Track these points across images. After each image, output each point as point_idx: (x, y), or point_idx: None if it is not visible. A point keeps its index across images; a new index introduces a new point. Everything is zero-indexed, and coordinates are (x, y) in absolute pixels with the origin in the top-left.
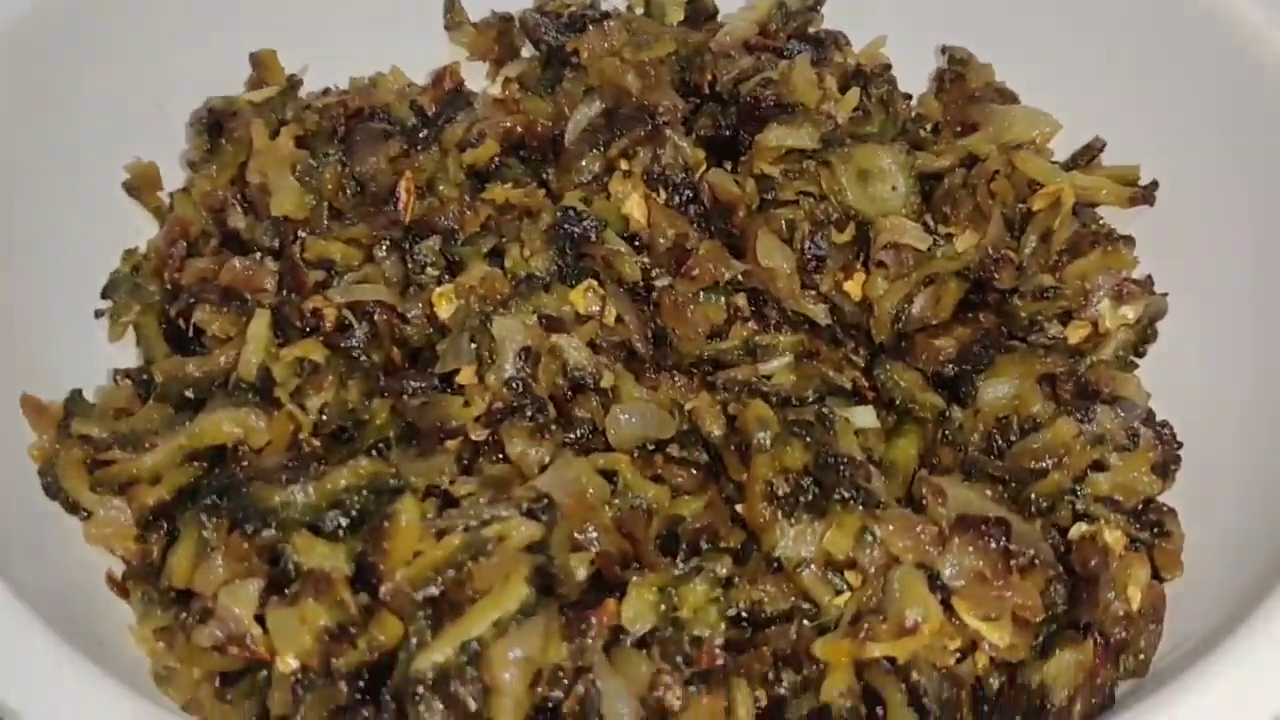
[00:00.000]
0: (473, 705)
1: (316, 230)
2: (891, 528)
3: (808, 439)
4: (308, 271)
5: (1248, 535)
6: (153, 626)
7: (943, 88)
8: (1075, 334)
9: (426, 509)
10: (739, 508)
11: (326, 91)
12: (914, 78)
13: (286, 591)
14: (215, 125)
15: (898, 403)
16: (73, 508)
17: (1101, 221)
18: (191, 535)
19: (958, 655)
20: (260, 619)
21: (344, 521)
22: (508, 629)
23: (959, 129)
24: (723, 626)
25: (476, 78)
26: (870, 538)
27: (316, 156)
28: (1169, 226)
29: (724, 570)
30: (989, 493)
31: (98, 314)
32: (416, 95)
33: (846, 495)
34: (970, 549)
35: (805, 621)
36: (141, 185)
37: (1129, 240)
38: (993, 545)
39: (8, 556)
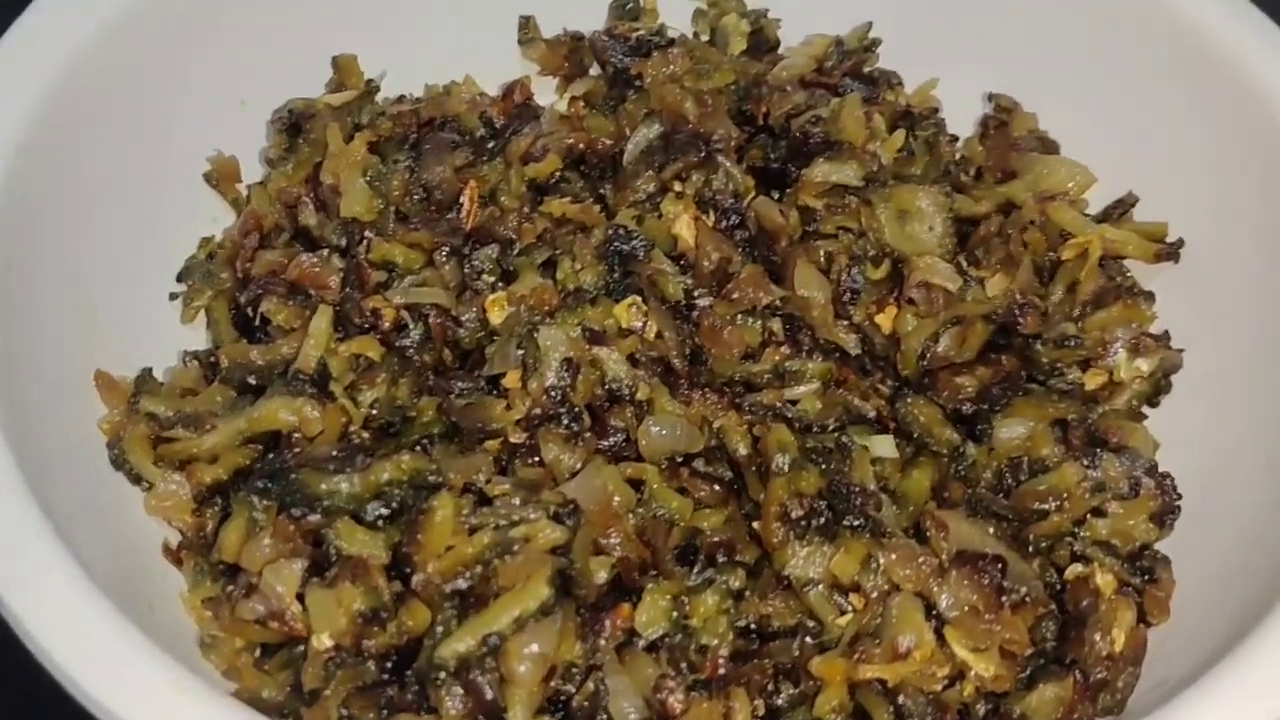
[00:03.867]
0: (489, 693)
1: (382, 232)
2: (894, 556)
3: (824, 466)
4: (371, 271)
5: (1231, 584)
6: (202, 596)
7: (987, 133)
8: (1092, 381)
9: (462, 505)
10: (756, 525)
11: (402, 98)
12: (966, 120)
13: (326, 574)
14: (294, 125)
15: (915, 436)
16: (136, 479)
17: (1128, 274)
18: (242, 514)
19: (945, 682)
20: (301, 597)
21: (384, 512)
22: (526, 625)
23: (1000, 175)
24: (731, 636)
25: (547, 92)
26: (874, 564)
27: (387, 162)
28: (1192, 282)
29: (736, 583)
30: (991, 529)
31: (172, 296)
32: (487, 106)
33: (855, 523)
34: (966, 582)
35: (809, 638)
36: (221, 177)
37: (1149, 296)
38: (987, 581)
39: (73, 523)
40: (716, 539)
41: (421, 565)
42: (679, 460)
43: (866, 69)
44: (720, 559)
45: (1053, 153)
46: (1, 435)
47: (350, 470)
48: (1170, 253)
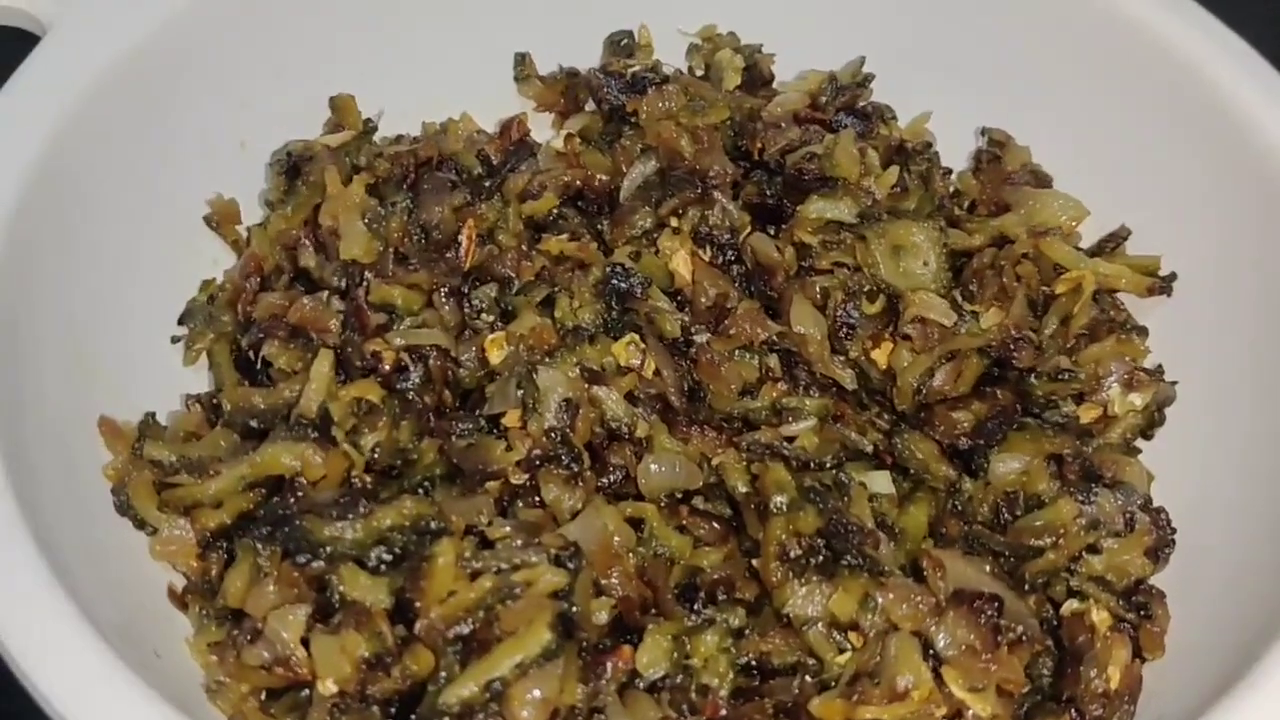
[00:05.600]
0: None
1: (382, 274)
2: (892, 596)
3: (821, 505)
4: (370, 314)
5: (1228, 619)
6: (207, 641)
7: (980, 167)
8: (1087, 414)
9: (466, 547)
10: (755, 562)
11: (399, 138)
12: (960, 153)
13: (331, 619)
14: (293, 168)
15: (912, 472)
16: (140, 524)
17: (1122, 307)
18: (246, 560)
19: None
20: (306, 643)
21: (387, 558)
22: (528, 671)
23: (993, 208)
24: (731, 675)
25: (543, 127)
26: (873, 604)
27: (385, 204)
28: (1186, 315)
29: (737, 621)
30: (988, 567)
31: (174, 340)
32: (484, 143)
33: (853, 561)
34: (963, 621)
35: (809, 677)
36: (221, 219)
37: (1142, 330)
38: (984, 620)
39: (75, 568)
40: (716, 577)
41: (424, 611)
42: (678, 498)
43: (860, 104)
44: (721, 597)
45: (1046, 186)
46: (5, 483)
47: (353, 516)
48: (1163, 286)
